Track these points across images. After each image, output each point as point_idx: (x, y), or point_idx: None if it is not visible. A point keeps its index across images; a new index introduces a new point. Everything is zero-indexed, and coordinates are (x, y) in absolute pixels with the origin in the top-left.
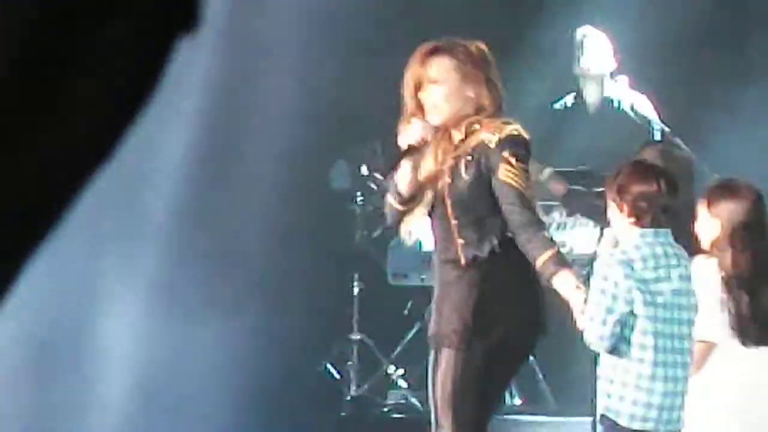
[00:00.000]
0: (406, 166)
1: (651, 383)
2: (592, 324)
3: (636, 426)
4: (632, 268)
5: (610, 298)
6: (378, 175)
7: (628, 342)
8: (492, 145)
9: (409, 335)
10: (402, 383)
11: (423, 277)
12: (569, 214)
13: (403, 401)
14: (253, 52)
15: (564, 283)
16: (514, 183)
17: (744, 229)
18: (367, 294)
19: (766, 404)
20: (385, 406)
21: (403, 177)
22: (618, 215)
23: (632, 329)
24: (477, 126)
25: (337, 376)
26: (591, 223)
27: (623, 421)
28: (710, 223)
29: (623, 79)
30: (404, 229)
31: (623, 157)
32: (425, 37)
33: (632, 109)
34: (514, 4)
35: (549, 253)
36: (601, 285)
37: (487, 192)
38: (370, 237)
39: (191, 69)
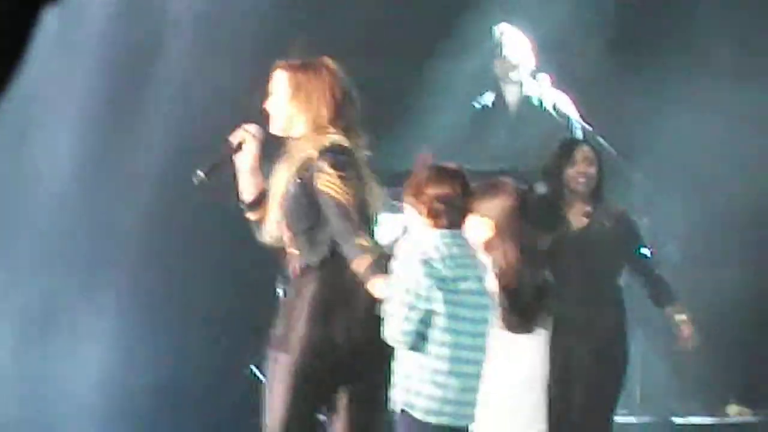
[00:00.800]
0: (240, 175)
1: (447, 379)
2: (394, 321)
3: (431, 420)
4: (432, 267)
5: (412, 296)
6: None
7: (426, 339)
8: (314, 156)
9: None
10: None
11: None
12: None
13: None
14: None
15: (376, 290)
16: (332, 192)
17: (509, 225)
18: None
19: (529, 390)
20: None
21: (241, 185)
22: (416, 216)
23: (431, 327)
24: (306, 139)
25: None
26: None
27: (419, 415)
28: (481, 222)
29: (545, 78)
30: (265, 236)
31: (544, 156)
32: (330, 36)
33: (553, 107)
34: (435, 3)
35: (364, 260)
36: (402, 283)
37: (314, 202)
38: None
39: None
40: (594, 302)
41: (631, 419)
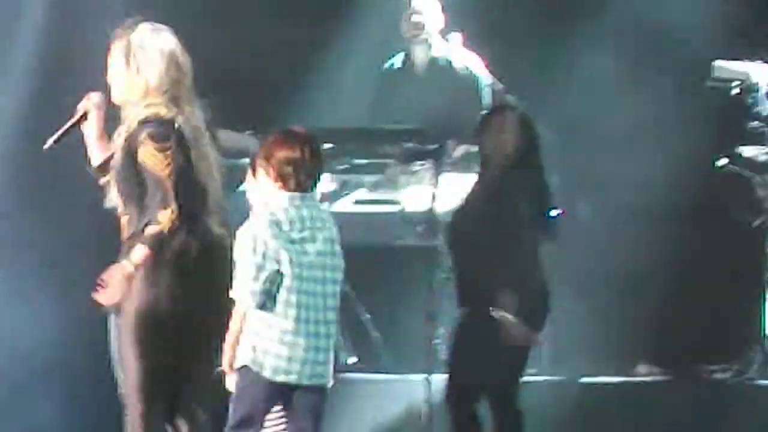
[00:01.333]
0: (88, 142)
1: (294, 338)
2: (243, 281)
3: (279, 378)
4: (280, 229)
5: (260, 256)
6: None
7: (274, 299)
8: (135, 127)
9: None
10: None
11: None
12: (402, 172)
13: None
14: None
15: (134, 258)
16: (149, 163)
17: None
18: None
19: None
20: None
21: (89, 151)
22: (266, 180)
23: (279, 287)
24: (132, 108)
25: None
26: (424, 181)
27: (267, 374)
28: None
29: (456, 37)
30: (108, 201)
31: (454, 116)
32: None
33: (464, 67)
34: None
35: (152, 229)
36: (251, 244)
37: (140, 171)
38: None
39: None
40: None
41: (540, 378)
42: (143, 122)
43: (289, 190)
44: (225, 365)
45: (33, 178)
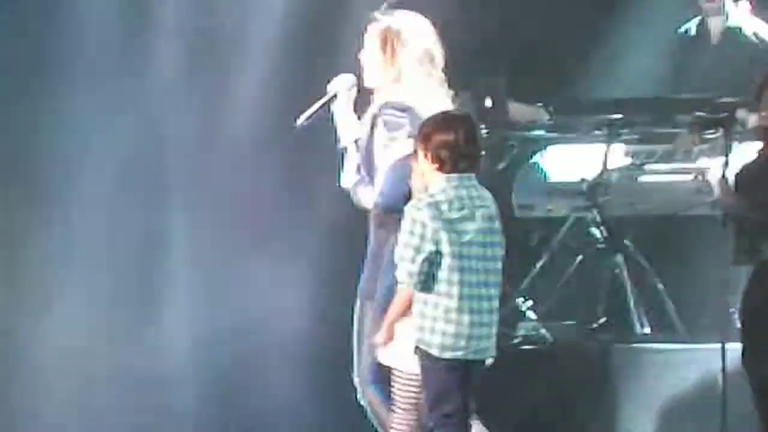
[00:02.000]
0: (337, 122)
1: (458, 316)
2: (403, 263)
3: (447, 355)
4: (437, 210)
5: (418, 238)
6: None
7: (436, 279)
8: (376, 111)
9: (537, 268)
10: (531, 315)
11: (549, 208)
12: (693, 142)
13: (533, 332)
14: None
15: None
16: (380, 152)
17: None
18: None
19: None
20: (515, 337)
21: (339, 132)
22: (424, 162)
23: (440, 267)
24: (380, 92)
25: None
26: (719, 148)
27: (435, 352)
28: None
29: (744, 5)
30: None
31: (745, 84)
32: None
33: (755, 35)
34: None
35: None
36: (410, 227)
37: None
38: (494, 169)
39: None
40: None
41: None
42: (383, 107)
43: (446, 172)
44: (379, 340)
45: (287, 165)
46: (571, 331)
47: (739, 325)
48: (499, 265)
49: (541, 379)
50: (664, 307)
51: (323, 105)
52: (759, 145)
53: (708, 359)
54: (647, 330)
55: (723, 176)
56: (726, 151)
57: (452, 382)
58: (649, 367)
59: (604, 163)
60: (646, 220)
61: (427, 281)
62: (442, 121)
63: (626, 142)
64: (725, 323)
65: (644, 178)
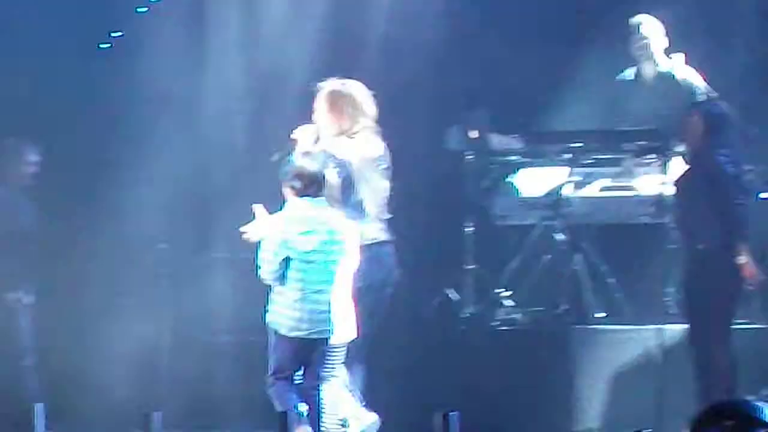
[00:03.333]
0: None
1: (301, 305)
2: (264, 264)
3: (293, 334)
4: (290, 224)
5: (275, 246)
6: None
7: (286, 277)
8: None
9: (513, 265)
10: (508, 303)
11: (524, 218)
12: (636, 165)
13: (508, 317)
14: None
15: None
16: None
17: None
18: (478, 233)
19: None
20: (494, 321)
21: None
22: (286, 190)
23: (289, 268)
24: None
25: (456, 298)
26: (655, 169)
27: (284, 331)
28: None
29: (679, 56)
30: None
31: (676, 118)
32: None
33: (683, 80)
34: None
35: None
36: (271, 237)
37: None
38: (478, 188)
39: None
40: None
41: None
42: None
43: (299, 196)
44: None
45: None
46: (539, 316)
47: (683, 308)
48: (336, 267)
49: (515, 354)
50: (613, 296)
51: (291, 146)
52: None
53: (649, 338)
54: (600, 314)
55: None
56: (663, 171)
57: (291, 354)
58: (602, 345)
59: (566, 182)
60: (599, 227)
61: (281, 278)
62: (295, 161)
63: (583, 165)
64: (662, 309)
65: (597, 194)
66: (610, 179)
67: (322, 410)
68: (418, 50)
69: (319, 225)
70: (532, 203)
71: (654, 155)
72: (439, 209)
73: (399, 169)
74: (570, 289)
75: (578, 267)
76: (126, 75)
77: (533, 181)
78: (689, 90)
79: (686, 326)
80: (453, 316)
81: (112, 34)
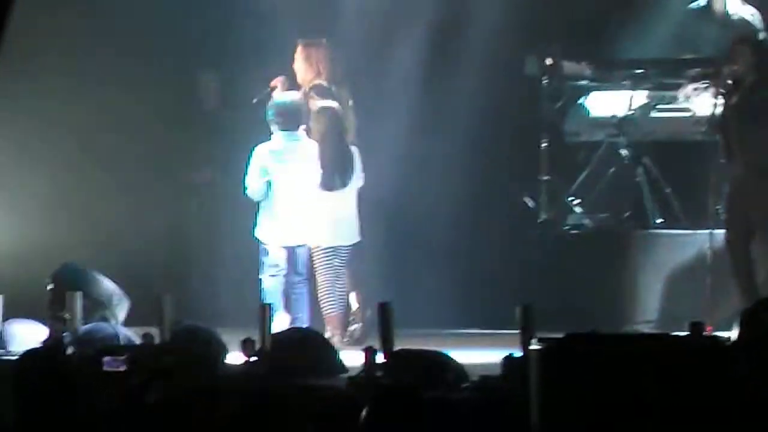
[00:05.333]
0: None
1: (279, 218)
2: (249, 183)
3: (275, 242)
4: (271, 153)
5: (258, 170)
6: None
7: (268, 194)
8: None
9: (582, 176)
10: (577, 209)
11: (593, 135)
12: (693, 89)
13: (579, 222)
14: None
15: None
16: None
17: None
18: (551, 149)
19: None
20: (565, 225)
21: None
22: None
23: (270, 188)
24: None
25: (532, 205)
26: (709, 93)
27: (270, 241)
28: None
29: None
30: None
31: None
32: None
33: (748, 15)
34: None
35: None
36: (255, 162)
37: None
38: (552, 109)
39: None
40: None
41: None
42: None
43: (281, 130)
44: None
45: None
46: (605, 221)
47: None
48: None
49: (584, 255)
50: (670, 204)
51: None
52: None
53: (702, 241)
54: (659, 220)
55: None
56: (715, 96)
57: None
58: (660, 247)
59: (629, 104)
60: (659, 143)
61: (262, 196)
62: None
63: (645, 88)
64: (713, 215)
65: (657, 114)
66: (669, 101)
67: None
68: None
69: (294, 153)
70: (599, 122)
71: (708, 81)
72: (518, 127)
73: (484, 94)
74: (632, 197)
75: (639, 179)
76: None
77: (601, 103)
78: (749, 24)
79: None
80: (529, 220)
81: None
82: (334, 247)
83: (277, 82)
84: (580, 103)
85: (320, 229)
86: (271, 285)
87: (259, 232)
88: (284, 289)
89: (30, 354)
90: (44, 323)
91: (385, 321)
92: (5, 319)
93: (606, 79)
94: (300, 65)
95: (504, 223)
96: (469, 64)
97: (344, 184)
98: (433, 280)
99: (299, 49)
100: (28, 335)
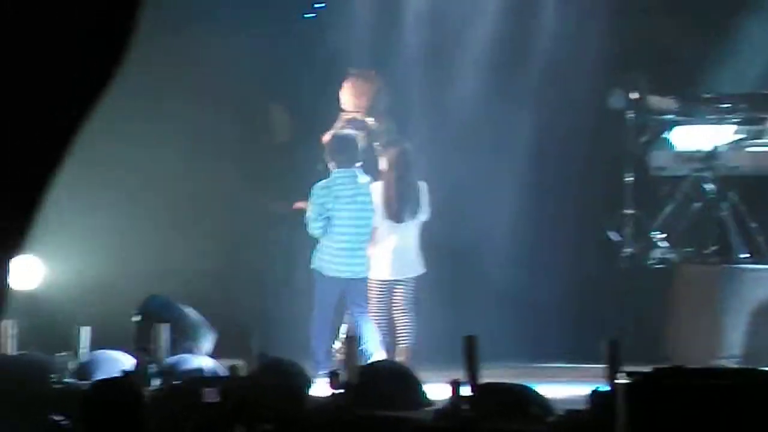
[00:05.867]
0: None
1: (339, 251)
2: (310, 222)
3: (332, 274)
4: (330, 190)
5: (319, 207)
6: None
7: (327, 231)
8: None
9: (667, 210)
10: (662, 243)
11: (678, 169)
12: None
13: (663, 256)
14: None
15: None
16: None
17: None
18: (637, 182)
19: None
20: (650, 259)
21: None
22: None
23: (331, 225)
24: None
25: (616, 239)
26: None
27: (325, 272)
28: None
29: None
30: None
31: None
32: None
33: None
34: None
35: None
36: (315, 200)
37: None
38: (637, 143)
39: None
40: None
41: None
42: None
43: (338, 168)
44: None
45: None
46: (690, 255)
47: None
48: (370, 223)
49: (669, 289)
50: (756, 239)
51: None
52: None
53: None
54: (744, 255)
55: None
56: None
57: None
58: (746, 282)
59: (715, 139)
60: (744, 178)
61: (323, 232)
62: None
63: (731, 123)
64: None
65: (743, 149)
66: (756, 135)
67: None
68: (582, 18)
69: (356, 189)
70: (685, 156)
71: None
72: (603, 161)
73: (567, 127)
74: (717, 232)
75: (725, 213)
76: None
77: (686, 137)
78: None
79: None
80: (614, 254)
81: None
82: (400, 279)
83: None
84: (665, 137)
85: (385, 262)
86: (323, 316)
87: (319, 264)
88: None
89: (100, 384)
90: (131, 354)
91: (470, 354)
92: (92, 350)
93: (692, 113)
94: (347, 96)
95: (589, 256)
96: (552, 97)
97: (412, 217)
98: (514, 313)
99: (349, 80)
100: (114, 366)
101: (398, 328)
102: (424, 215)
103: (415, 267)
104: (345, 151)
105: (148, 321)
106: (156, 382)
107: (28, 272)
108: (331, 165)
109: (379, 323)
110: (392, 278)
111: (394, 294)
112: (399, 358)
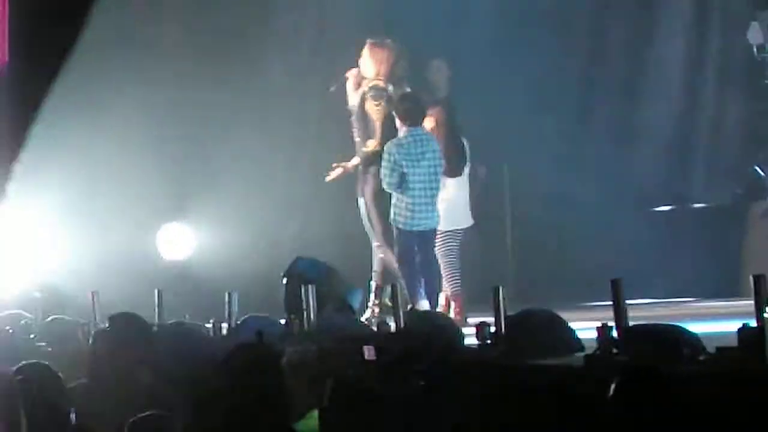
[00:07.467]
0: None
1: (413, 206)
2: (385, 177)
3: (407, 228)
4: (402, 147)
5: (392, 163)
6: None
7: (401, 186)
8: None
9: None
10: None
11: None
12: None
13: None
14: None
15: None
16: None
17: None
18: None
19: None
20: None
21: None
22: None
23: (404, 180)
24: None
25: (762, 174)
26: None
27: (401, 226)
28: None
29: None
30: None
31: None
32: None
33: None
34: None
35: None
36: (388, 158)
37: None
38: None
39: None
40: None
41: None
42: None
43: (408, 126)
44: None
45: None
46: None
47: None
48: (437, 180)
49: None
50: None
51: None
52: None
53: None
54: None
55: None
56: None
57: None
58: None
59: None
60: None
61: (397, 187)
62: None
63: None
64: None
65: None
66: None
67: None
68: None
69: (426, 147)
70: None
71: None
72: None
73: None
74: None
75: None
76: None
77: None
78: None
79: None
80: (759, 189)
81: None
82: (453, 230)
83: (350, 74)
84: None
85: (444, 214)
86: (410, 268)
87: (396, 219)
88: (420, 271)
89: (240, 347)
90: (280, 318)
91: (617, 296)
92: (241, 314)
93: None
94: (367, 64)
95: (726, 192)
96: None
97: (460, 172)
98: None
99: (368, 48)
100: (263, 329)
101: (447, 276)
102: (467, 169)
103: (467, 218)
104: (414, 111)
105: (296, 283)
106: (307, 343)
107: (180, 242)
108: (399, 122)
109: (434, 272)
110: (448, 229)
111: (448, 243)
112: (455, 304)
